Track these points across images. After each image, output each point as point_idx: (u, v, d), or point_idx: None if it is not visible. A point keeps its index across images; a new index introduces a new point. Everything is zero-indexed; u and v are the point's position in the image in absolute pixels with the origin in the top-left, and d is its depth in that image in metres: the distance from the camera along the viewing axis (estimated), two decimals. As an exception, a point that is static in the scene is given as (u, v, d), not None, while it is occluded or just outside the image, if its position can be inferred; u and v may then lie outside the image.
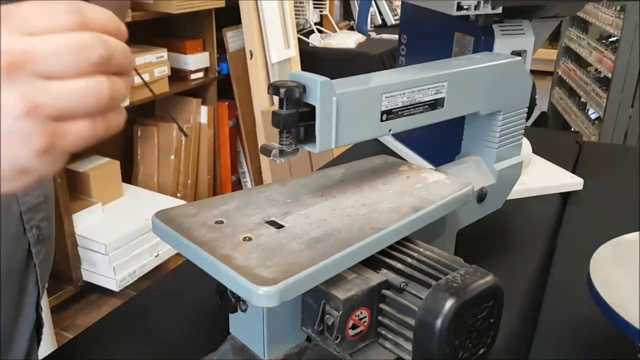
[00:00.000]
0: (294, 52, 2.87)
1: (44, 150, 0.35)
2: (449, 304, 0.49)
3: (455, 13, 0.87)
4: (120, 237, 2.18)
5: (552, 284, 0.82)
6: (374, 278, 0.53)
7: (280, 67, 2.79)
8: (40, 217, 0.69)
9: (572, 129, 3.39)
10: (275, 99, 0.53)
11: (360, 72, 0.62)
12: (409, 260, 0.55)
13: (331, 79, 0.56)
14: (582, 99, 3.34)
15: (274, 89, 0.51)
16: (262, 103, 2.74)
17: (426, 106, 0.62)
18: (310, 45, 3.20)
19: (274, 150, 0.53)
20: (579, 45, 3.42)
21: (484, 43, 0.96)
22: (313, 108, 0.53)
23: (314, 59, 3.04)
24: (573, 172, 1.15)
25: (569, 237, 0.95)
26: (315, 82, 0.52)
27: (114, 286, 2.19)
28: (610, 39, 3.14)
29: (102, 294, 2.29)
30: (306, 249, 0.51)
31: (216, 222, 0.56)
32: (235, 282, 0.47)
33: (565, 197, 1.09)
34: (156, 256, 2.31)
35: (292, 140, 0.54)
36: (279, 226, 0.55)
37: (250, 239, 0.52)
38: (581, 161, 1.26)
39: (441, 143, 0.94)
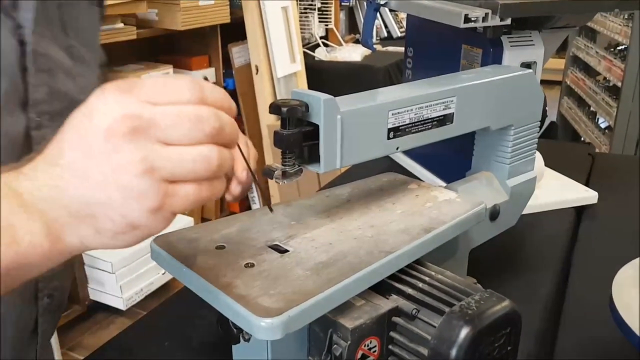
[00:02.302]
0: (299, 67, 2.86)
1: (156, 208, 0.37)
2: (464, 332, 0.46)
3: (462, 25, 0.85)
4: (126, 255, 2.15)
5: (570, 303, 0.79)
6: (384, 305, 0.51)
7: (286, 82, 2.78)
8: (54, 286, 0.66)
9: (582, 139, 3.35)
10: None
11: (367, 85, 0.60)
12: (420, 284, 0.53)
13: (338, 92, 0.54)
14: (592, 108, 3.31)
15: (275, 108, 0.49)
16: (269, 118, 2.72)
17: (435, 122, 0.60)
18: (316, 59, 3.19)
19: (276, 172, 0.50)
20: (587, 54, 3.39)
21: (493, 55, 0.93)
22: (316, 127, 0.51)
23: (320, 73, 3.02)
24: (586, 185, 1.12)
25: (586, 253, 0.92)
26: (319, 100, 0.50)
27: (121, 305, 2.16)
28: (618, 47, 3.11)
29: (109, 313, 2.27)
30: (311, 275, 0.48)
31: (217, 247, 0.53)
32: (236, 313, 0.44)
33: (580, 212, 1.05)
34: (163, 274, 2.29)
35: (295, 160, 0.51)
36: (283, 251, 0.53)
37: (252, 265, 0.50)
38: (594, 173, 1.23)
39: (452, 158, 0.92)
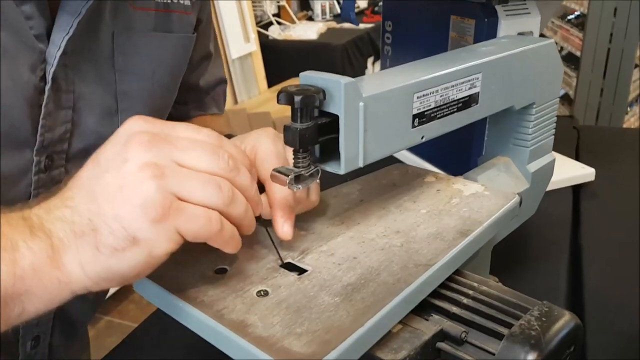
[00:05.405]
0: (254, 47, 2.73)
1: (158, 218, 0.35)
2: (532, 359, 0.38)
3: (457, -8, 0.76)
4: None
5: (589, 296, 0.73)
6: (425, 329, 0.42)
7: (242, 63, 2.65)
8: (44, 330, 0.61)
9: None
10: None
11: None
12: (465, 300, 0.44)
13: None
14: (548, 79, 3.30)
15: (287, 96, 0.39)
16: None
17: (460, 104, 0.51)
18: (270, 38, 3.06)
19: (290, 176, 0.40)
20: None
21: (487, 26, 0.85)
22: (333, 118, 0.41)
23: (276, 52, 2.90)
24: (577, 160, 1.06)
25: (593, 237, 0.86)
26: (338, 85, 0.40)
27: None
28: (572, 15, 3.10)
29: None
30: (342, 303, 0.39)
31: (217, 271, 0.43)
32: (260, 363, 0.35)
33: (577, 190, 1.00)
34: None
35: (310, 160, 0.42)
36: (300, 270, 0.43)
37: (266, 293, 0.40)
38: (582, 148, 1.18)
39: (451, 144, 0.83)
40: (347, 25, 3.35)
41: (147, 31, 0.60)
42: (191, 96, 0.74)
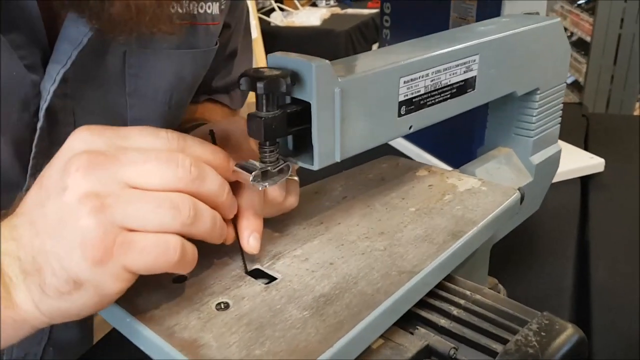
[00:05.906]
0: (255, 33, 2.66)
1: (99, 259, 0.31)
2: (529, 383, 0.34)
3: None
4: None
5: (597, 296, 0.68)
6: (409, 344, 0.37)
7: (242, 50, 2.59)
8: None
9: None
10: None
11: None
12: (455, 311, 0.39)
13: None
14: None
15: (249, 81, 0.34)
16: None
17: (454, 90, 0.46)
18: (272, 24, 3.00)
19: (254, 172, 0.35)
20: (552, 10, 3.29)
21: (490, 6, 0.80)
22: (306, 106, 0.36)
23: (278, 39, 2.84)
24: (585, 150, 1.00)
25: (602, 231, 0.80)
26: (309, 67, 0.35)
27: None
28: (582, 0, 3.02)
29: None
30: (312, 319, 0.34)
31: (176, 280, 0.38)
32: (209, 391, 0.30)
33: (585, 182, 0.94)
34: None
35: (278, 154, 0.37)
36: (268, 279, 0.38)
37: (227, 305, 0.36)
38: (592, 137, 1.12)
39: (452, 133, 0.78)
40: (351, 10, 3.28)
41: (166, 49, 0.53)
42: (200, 91, 0.68)
